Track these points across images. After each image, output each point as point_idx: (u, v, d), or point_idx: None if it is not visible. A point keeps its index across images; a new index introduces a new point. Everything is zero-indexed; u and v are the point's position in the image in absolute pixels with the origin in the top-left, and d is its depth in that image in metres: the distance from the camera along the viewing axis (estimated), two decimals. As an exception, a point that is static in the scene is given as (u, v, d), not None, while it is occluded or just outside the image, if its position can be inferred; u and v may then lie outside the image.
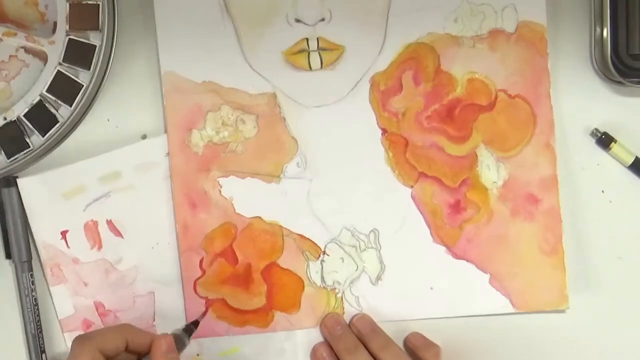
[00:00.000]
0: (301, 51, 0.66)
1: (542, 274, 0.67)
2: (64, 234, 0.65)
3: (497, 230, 0.67)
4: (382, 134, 0.67)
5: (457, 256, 0.67)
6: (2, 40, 0.63)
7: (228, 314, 0.66)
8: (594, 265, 0.68)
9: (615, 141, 0.66)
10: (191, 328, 0.62)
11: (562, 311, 0.67)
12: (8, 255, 0.65)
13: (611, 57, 0.65)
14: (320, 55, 0.66)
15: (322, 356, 0.66)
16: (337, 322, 0.66)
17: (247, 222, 0.66)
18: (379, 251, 0.67)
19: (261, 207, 0.66)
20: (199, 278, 0.66)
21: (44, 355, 0.65)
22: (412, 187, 0.67)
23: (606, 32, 0.65)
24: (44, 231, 0.65)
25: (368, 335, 0.65)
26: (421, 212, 0.67)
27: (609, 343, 0.67)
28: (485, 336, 0.67)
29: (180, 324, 0.63)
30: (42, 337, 0.65)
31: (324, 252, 0.67)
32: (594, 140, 0.67)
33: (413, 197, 0.67)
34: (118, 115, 0.66)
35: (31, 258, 0.65)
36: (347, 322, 0.66)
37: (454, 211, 0.67)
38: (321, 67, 0.66)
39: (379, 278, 0.67)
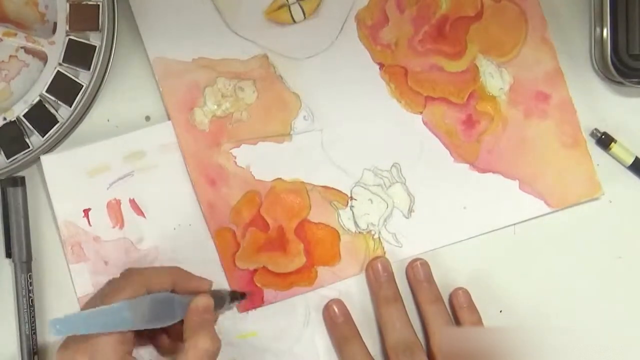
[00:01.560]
0: (281, 7, 0.66)
1: (569, 167, 0.66)
2: (86, 212, 0.65)
3: (515, 135, 0.66)
4: (379, 69, 0.66)
5: (481, 170, 0.66)
6: (2, 40, 0.63)
7: (272, 280, 0.66)
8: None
9: (615, 141, 0.66)
10: (236, 296, 0.63)
11: (597, 199, 0.67)
12: (8, 255, 0.65)
13: (611, 57, 0.65)
14: (300, 5, 0.66)
15: (335, 313, 0.65)
16: (385, 268, 0.65)
17: (269, 186, 0.66)
18: (405, 184, 0.67)
19: (279, 168, 0.66)
20: (235, 252, 0.66)
21: (36, 357, 0.64)
22: (421, 113, 0.67)
23: (606, 32, 0.65)
24: (65, 209, 0.65)
25: (421, 283, 0.65)
26: (436, 136, 0.66)
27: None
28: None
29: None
30: (36, 339, 0.64)
31: (351, 198, 0.66)
32: (594, 141, 0.67)
33: (425, 123, 0.66)
34: (118, 116, 0.66)
35: (31, 259, 0.65)
36: (407, 263, 0.66)
37: (467, 126, 0.66)
38: (304, 17, 0.66)
39: (410, 210, 0.67)
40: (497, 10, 0.66)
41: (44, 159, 0.64)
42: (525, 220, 0.67)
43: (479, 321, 0.65)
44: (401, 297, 0.65)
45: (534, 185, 0.66)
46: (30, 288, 0.64)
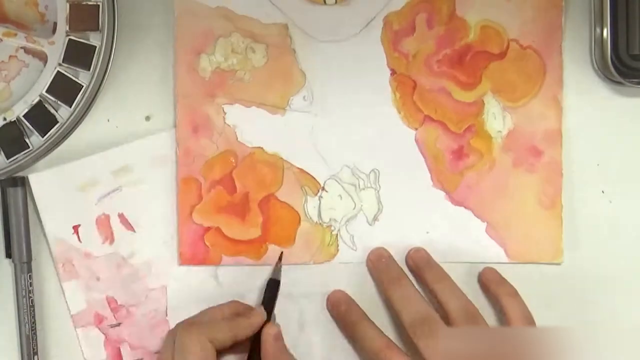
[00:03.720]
0: (317, -16, 0.66)
1: (539, 226, 0.66)
2: (75, 228, 0.65)
3: (498, 179, 0.67)
4: (390, 74, 0.66)
5: (455, 202, 0.67)
6: (2, 40, 0.63)
7: (222, 243, 0.66)
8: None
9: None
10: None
11: (557, 264, 0.67)
12: (8, 255, 0.65)
13: (611, 57, 0.65)
14: (336, -11, 0.66)
15: (338, 300, 0.66)
16: (380, 254, 0.66)
17: (249, 151, 0.66)
18: (378, 191, 0.67)
19: (264, 137, 0.66)
20: (195, 205, 0.66)
21: (36, 357, 0.65)
22: (416, 129, 0.67)
23: (606, 32, 0.65)
24: (55, 226, 0.65)
25: (423, 267, 0.65)
26: (423, 156, 0.67)
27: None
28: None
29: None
30: (36, 339, 0.65)
31: (323, 188, 0.66)
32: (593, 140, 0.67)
33: (417, 140, 0.67)
34: (118, 116, 0.66)
35: (31, 259, 0.65)
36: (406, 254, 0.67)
37: (456, 157, 0.67)
38: (336, 1, 0.66)
39: (375, 218, 0.67)
40: (520, 56, 0.66)
41: (32, 177, 0.64)
42: (481, 263, 0.67)
43: (512, 293, 0.64)
44: (406, 276, 0.64)
45: (500, 232, 0.66)
46: (30, 288, 0.64)
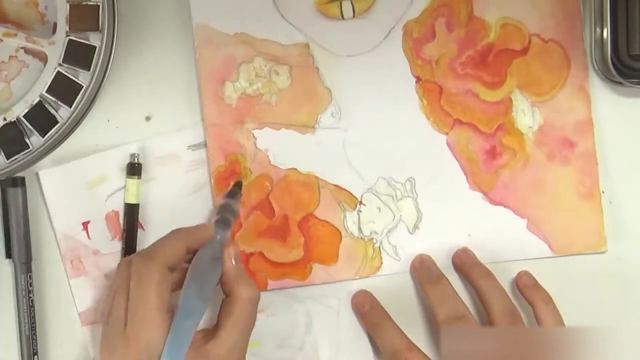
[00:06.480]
0: (333, 0, 0.65)
1: (580, 217, 0.67)
2: (85, 225, 0.65)
3: (534, 175, 0.67)
4: (416, 82, 0.66)
5: (494, 202, 0.67)
6: (2, 40, 0.63)
7: (266, 267, 0.66)
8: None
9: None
10: (235, 192, 0.64)
11: (602, 253, 0.67)
12: (8, 255, 0.65)
13: (611, 57, 0.65)
14: (352, 3, 0.66)
15: (362, 300, 0.66)
16: (423, 260, 0.66)
17: (283, 173, 0.66)
18: (416, 200, 0.67)
19: (296, 158, 0.66)
20: (236, 232, 0.66)
21: (36, 357, 0.65)
22: (447, 134, 0.67)
23: (606, 33, 0.65)
24: (64, 223, 0.65)
25: (470, 265, 0.65)
26: (457, 159, 0.67)
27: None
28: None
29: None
30: (36, 339, 0.65)
31: (361, 202, 0.66)
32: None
33: (448, 144, 0.67)
34: (118, 116, 0.66)
35: (31, 259, 0.65)
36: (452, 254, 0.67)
37: (489, 157, 0.67)
38: (353, 15, 0.66)
39: (416, 227, 0.67)
40: (542, 50, 0.66)
41: (42, 173, 0.65)
42: (526, 260, 0.67)
43: (547, 299, 0.64)
44: (445, 277, 0.64)
45: (541, 227, 0.67)
46: (30, 289, 0.64)
